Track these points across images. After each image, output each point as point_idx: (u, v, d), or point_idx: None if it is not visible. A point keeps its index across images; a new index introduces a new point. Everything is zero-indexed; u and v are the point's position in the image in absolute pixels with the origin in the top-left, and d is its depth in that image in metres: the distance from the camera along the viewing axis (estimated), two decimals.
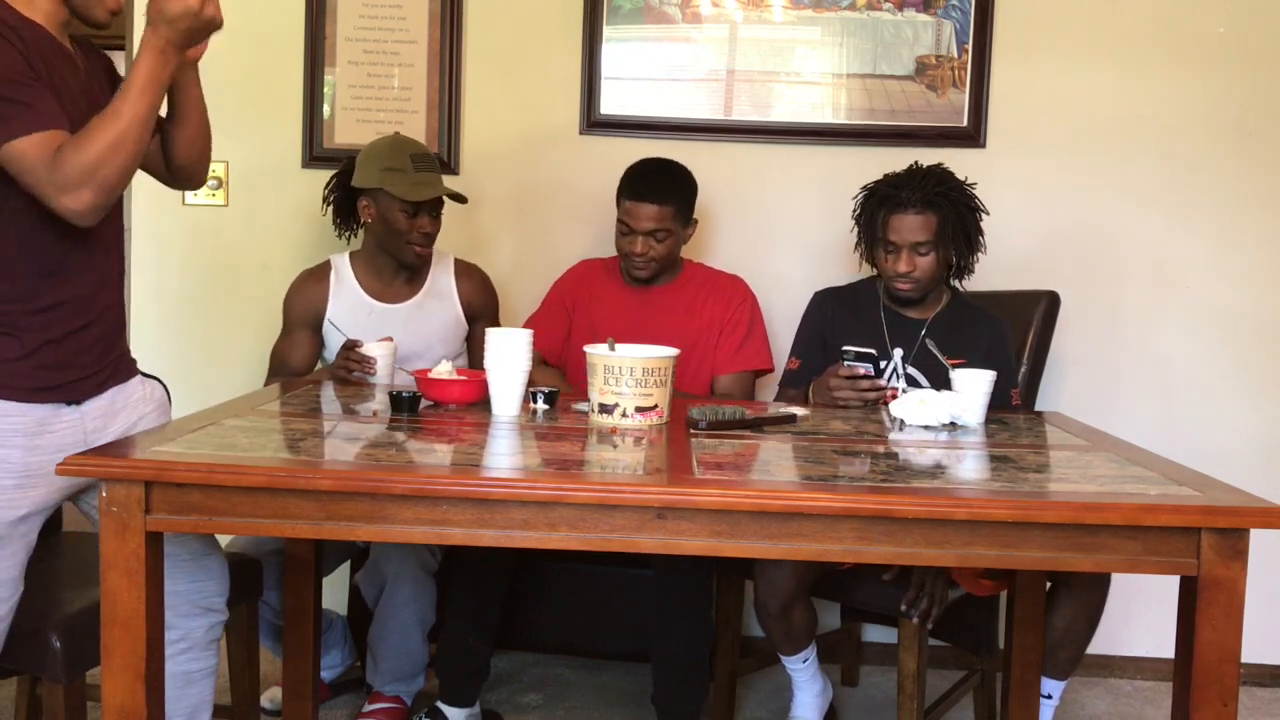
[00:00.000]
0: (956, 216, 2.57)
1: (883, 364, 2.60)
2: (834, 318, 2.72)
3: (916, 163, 2.65)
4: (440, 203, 2.80)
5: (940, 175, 2.60)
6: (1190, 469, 1.88)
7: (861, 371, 2.46)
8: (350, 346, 2.59)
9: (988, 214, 2.66)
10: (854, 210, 2.70)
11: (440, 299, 2.89)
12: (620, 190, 2.82)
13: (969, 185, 2.63)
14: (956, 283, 2.72)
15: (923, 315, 2.65)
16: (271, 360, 2.87)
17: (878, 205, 2.60)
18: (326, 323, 2.81)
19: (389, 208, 2.74)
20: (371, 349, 2.57)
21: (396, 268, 2.84)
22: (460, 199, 2.84)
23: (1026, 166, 3.19)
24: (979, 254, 2.66)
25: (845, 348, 2.52)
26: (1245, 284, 3.19)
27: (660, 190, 2.77)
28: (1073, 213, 3.20)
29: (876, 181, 2.65)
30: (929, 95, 3.17)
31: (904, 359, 2.62)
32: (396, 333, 2.77)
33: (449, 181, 2.91)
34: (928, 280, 2.59)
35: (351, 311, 2.82)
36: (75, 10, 1.89)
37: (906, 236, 2.55)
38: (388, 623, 2.64)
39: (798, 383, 2.69)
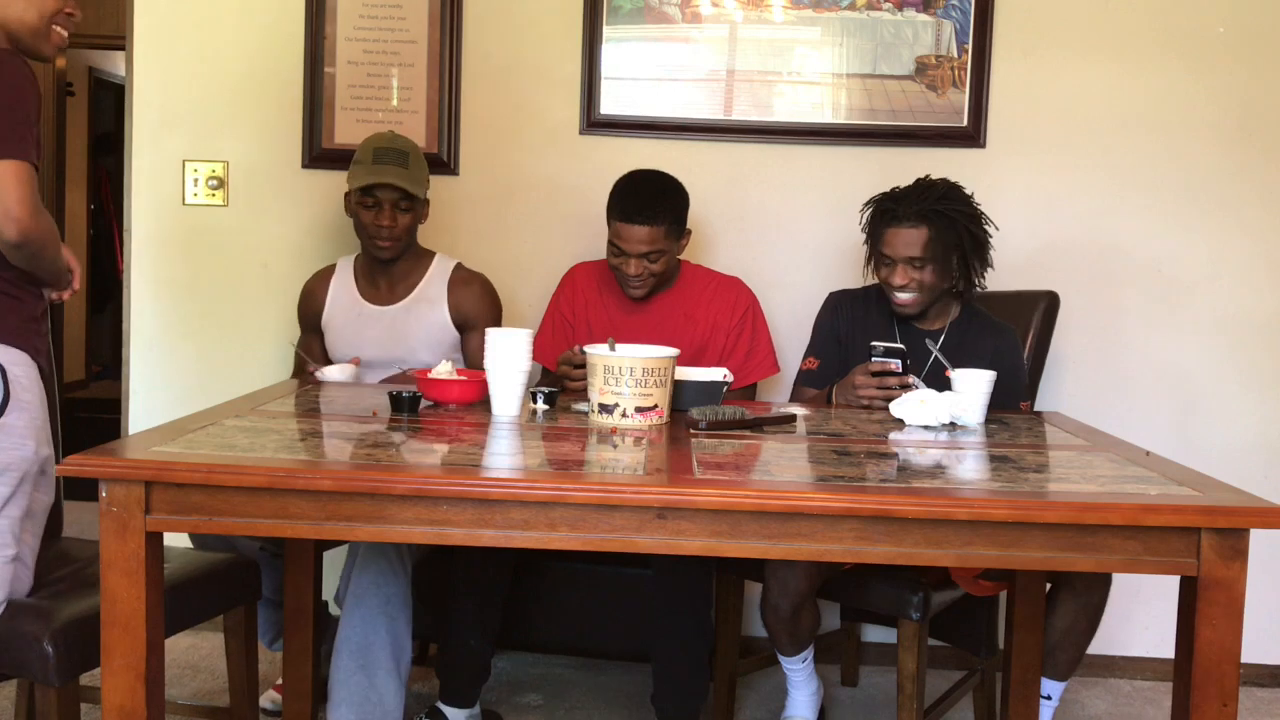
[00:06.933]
0: (954, 232, 2.54)
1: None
2: (848, 321, 2.71)
3: (927, 176, 2.63)
4: (405, 199, 2.74)
5: (942, 190, 2.57)
6: (1190, 469, 1.88)
7: (892, 367, 2.44)
8: (309, 371, 2.68)
9: (996, 229, 2.64)
10: (860, 223, 2.68)
11: (429, 304, 2.85)
12: (610, 209, 2.74)
13: (974, 202, 2.61)
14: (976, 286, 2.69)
15: (934, 327, 2.65)
16: (295, 356, 2.94)
17: (877, 218, 2.59)
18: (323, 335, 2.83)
19: (351, 201, 2.78)
20: (329, 373, 2.62)
21: (383, 268, 2.83)
22: (407, 193, 2.74)
23: (1026, 166, 3.19)
24: (987, 269, 2.63)
25: (874, 343, 2.49)
26: (1245, 283, 3.19)
27: (651, 211, 2.68)
28: (1073, 213, 3.20)
29: (880, 194, 2.64)
30: (929, 95, 3.17)
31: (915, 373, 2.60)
32: (380, 334, 2.79)
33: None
34: (925, 295, 2.57)
35: (344, 311, 2.85)
36: (25, 49, 2.04)
37: (900, 250, 2.53)
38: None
39: (817, 383, 2.69)
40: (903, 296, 2.57)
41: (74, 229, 6.90)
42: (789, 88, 3.20)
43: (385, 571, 2.44)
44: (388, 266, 2.83)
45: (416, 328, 2.83)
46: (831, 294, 2.80)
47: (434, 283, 2.86)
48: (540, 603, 2.86)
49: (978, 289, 2.65)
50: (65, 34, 2.09)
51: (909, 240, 2.53)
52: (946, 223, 2.53)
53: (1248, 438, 3.21)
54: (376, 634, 2.41)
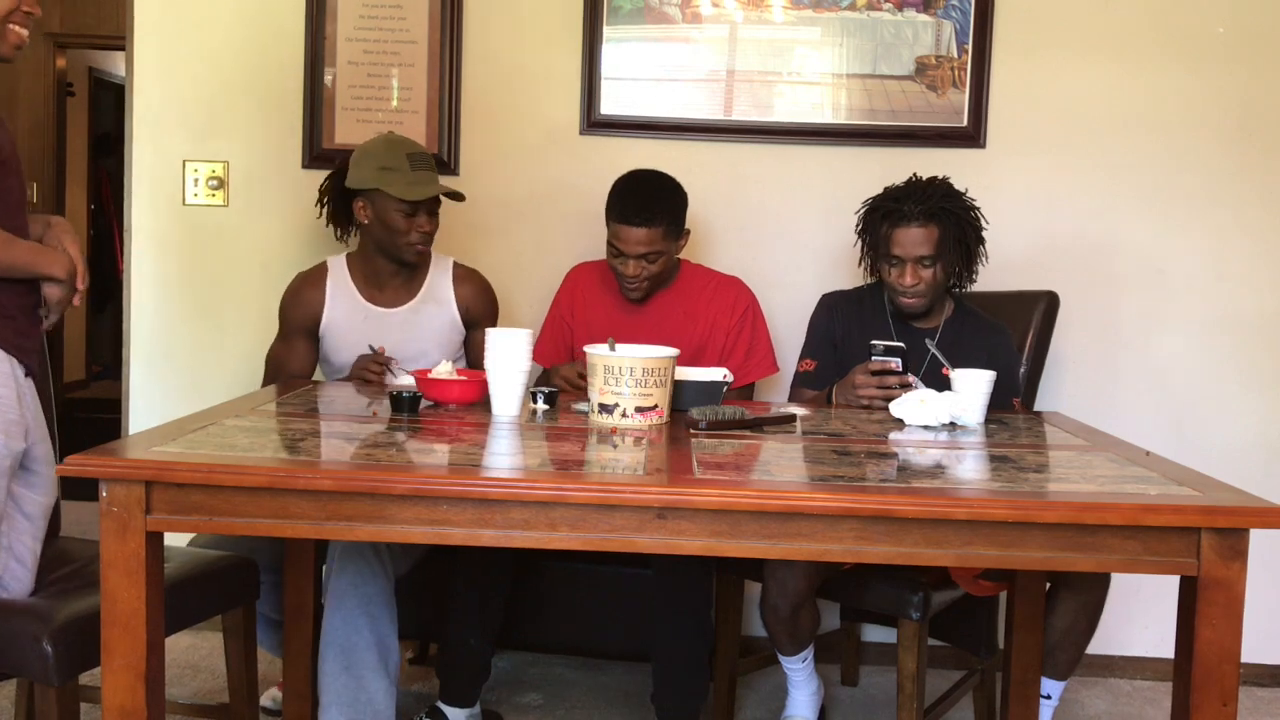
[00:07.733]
0: (958, 229, 2.56)
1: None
2: (842, 323, 2.71)
3: (915, 175, 2.63)
4: (438, 201, 2.77)
5: (944, 189, 2.59)
6: (1190, 469, 1.88)
7: (892, 366, 2.44)
8: (380, 362, 2.64)
9: (988, 224, 2.65)
10: (856, 225, 2.68)
11: (438, 304, 2.84)
12: (609, 210, 2.74)
13: (969, 198, 2.62)
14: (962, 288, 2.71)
15: (929, 325, 2.65)
16: (267, 365, 2.85)
17: (881, 219, 2.59)
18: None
19: (386, 208, 2.71)
20: (404, 379, 2.58)
21: (393, 270, 2.80)
22: (458, 197, 2.81)
23: (1026, 166, 3.19)
24: (981, 264, 2.65)
25: (874, 342, 2.49)
26: (1245, 284, 3.19)
27: (649, 212, 2.69)
28: (1073, 213, 3.20)
29: (878, 195, 2.63)
30: (929, 95, 3.17)
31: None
32: (392, 336, 2.76)
33: (447, 182, 2.90)
34: (931, 294, 2.58)
35: (348, 316, 2.81)
36: None
37: (910, 250, 2.54)
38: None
39: (814, 384, 2.69)
40: (911, 297, 2.57)
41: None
42: (789, 88, 3.20)
43: (363, 571, 2.41)
44: (395, 268, 2.81)
45: (428, 328, 2.82)
46: (825, 295, 2.81)
47: (438, 281, 2.85)
48: (540, 603, 2.86)
49: (971, 283, 2.67)
50: (24, 33, 2.02)
51: (920, 239, 2.53)
52: (953, 220, 2.56)
53: (1248, 438, 3.21)
54: (359, 634, 2.38)
